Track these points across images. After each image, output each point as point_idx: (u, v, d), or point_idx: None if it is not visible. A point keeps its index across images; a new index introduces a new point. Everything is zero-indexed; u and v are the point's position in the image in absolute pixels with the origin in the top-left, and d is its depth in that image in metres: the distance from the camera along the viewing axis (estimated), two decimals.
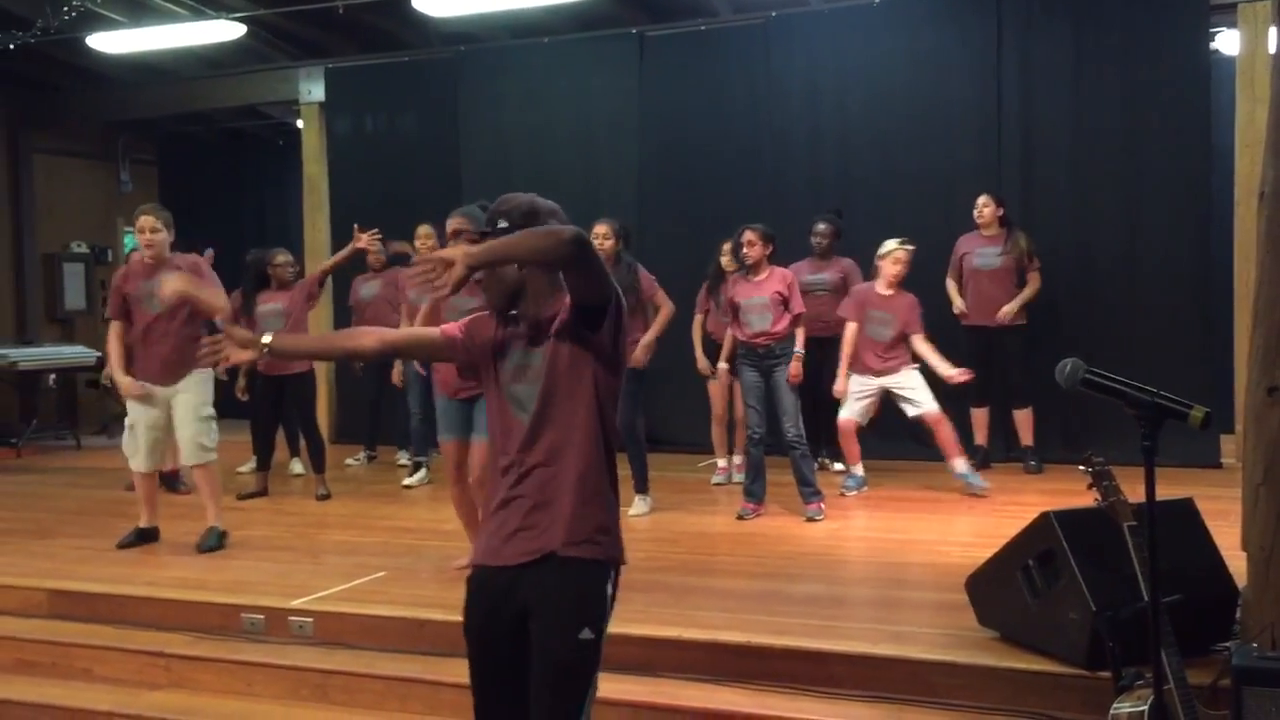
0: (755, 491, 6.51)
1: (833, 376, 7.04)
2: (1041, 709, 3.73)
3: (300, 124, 10.44)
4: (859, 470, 7.09)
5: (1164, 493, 2.91)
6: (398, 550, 5.96)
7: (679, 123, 8.88)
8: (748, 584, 5.13)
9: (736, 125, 8.71)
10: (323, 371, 9.36)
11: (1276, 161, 3.65)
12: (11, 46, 8.79)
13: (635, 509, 6.54)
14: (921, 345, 6.89)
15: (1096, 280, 7.70)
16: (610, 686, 3.18)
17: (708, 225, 8.25)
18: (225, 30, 9.08)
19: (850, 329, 6.94)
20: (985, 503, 6.67)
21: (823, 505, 6.39)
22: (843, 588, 5.03)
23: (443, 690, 4.23)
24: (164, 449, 6.31)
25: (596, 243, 6.48)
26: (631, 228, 7.24)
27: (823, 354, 7.18)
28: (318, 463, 7.62)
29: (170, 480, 7.67)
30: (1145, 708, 3.00)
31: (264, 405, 7.67)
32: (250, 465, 8.11)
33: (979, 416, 7.61)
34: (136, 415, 6.05)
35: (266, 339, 2.83)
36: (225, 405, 7.02)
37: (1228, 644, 3.64)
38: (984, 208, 7.50)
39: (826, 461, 7.74)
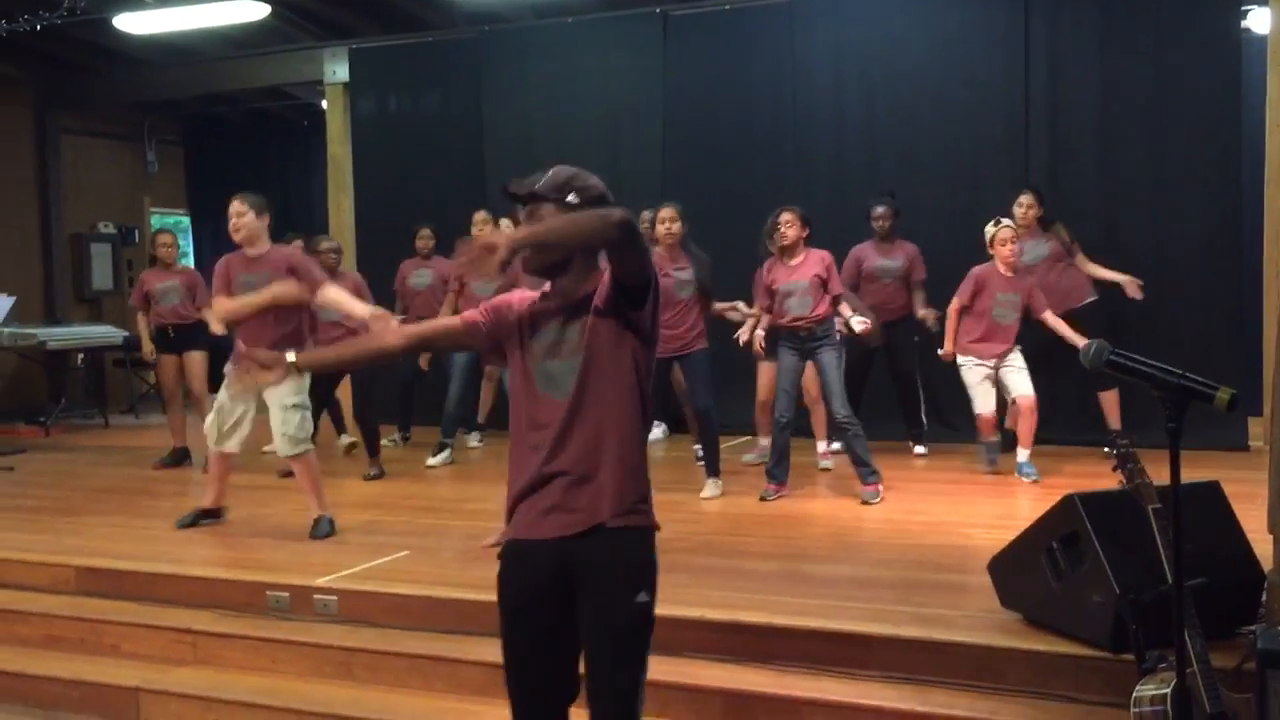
0: (778, 474, 6.48)
1: (899, 357, 7.47)
2: (1064, 691, 3.71)
3: (325, 105, 10.46)
4: (995, 438, 6.94)
5: (1190, 475, 2.88)
6: (421, 530, 5.99)
7: (703, 102, 8.83)
8: (770, 565, 5.12)
9: (761, 105, 8.65)
10: None
11: None
12: (39, 27, 8.84)
13: (707, 491, 6.53)
14: (1052, 319, 6.77)
15: (1125, 260, 7.58)
16: None
17: (732, 205, 8.23)
18: (250, 11, 9.10)
19: (955, 308, 6.84)
20: (1008, 485, 6.63)
21: (880, 487, 6.27)
22: (865, 569, 5.02)
23: (465, 668, 4.27)
24: (245, 434, 6.05)
25: (664, 226, 6.53)
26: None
27: (886, 335, 7.27)
28: (371, 446, 7.61)
29: (179, 457, 7.98)
30: (1168, 690, 2.98)
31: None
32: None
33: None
34: (225, 398, 5.91)
35: (291, 357, 2.86)
36: None
37: (1253, 627, 3.63)
38: (1029, 209, 7.28)
39: (911, 445, 7.71)
